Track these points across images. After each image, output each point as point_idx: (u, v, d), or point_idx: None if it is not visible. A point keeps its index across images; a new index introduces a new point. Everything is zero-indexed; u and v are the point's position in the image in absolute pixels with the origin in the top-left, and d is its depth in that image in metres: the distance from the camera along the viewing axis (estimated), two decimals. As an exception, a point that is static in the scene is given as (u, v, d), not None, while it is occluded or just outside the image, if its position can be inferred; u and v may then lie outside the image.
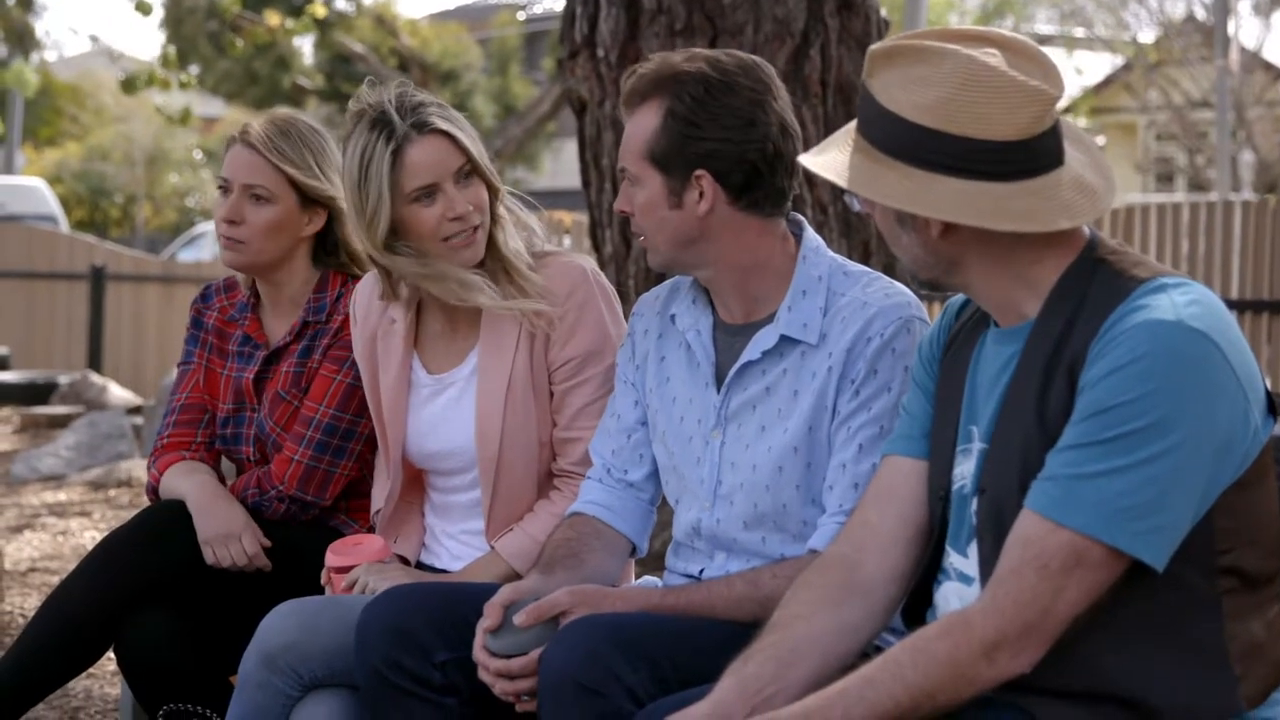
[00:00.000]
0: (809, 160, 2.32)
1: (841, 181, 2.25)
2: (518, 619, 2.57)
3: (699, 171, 2.66)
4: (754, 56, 2.74)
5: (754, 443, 2.71)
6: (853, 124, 2.32)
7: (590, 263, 3.12)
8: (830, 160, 2.29)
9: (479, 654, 2.61)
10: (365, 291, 3.25)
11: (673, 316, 2.85)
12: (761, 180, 2.68)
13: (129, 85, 12.05)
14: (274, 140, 3.35)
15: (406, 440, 3.17)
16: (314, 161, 3.37)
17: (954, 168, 2.17)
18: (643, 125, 2.69)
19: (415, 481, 3.25)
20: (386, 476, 3.23)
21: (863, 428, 2.63)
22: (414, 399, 3.17)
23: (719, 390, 2.76)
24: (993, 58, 2.18)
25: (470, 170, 3.03)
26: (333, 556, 3.13)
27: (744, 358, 2.72)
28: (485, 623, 2.61)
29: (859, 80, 5.12)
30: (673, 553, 2.86)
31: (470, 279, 3.02)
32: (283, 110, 3.51)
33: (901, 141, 2.19)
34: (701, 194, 2.67)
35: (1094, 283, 2.18)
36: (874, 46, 2.27)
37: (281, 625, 2.95)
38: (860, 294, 2.69)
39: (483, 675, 2.61)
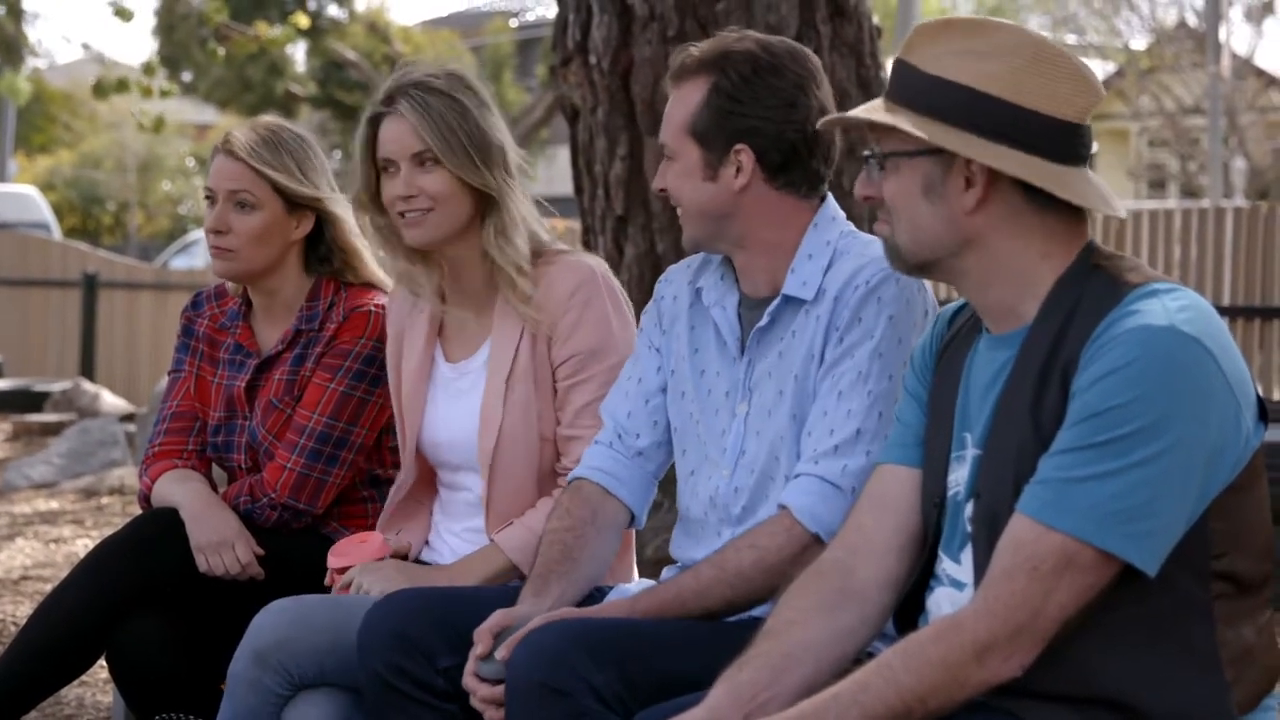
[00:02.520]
0: (859, 110, 2.28)
1: (907, 127, 2.21)
2: (499, 654, 2.57)
3: (739, 146, 2.69)
4: (804, 47, 2.78)
5: (774, 408, 2.73)
6: (874, 102, 2.30)
7: (602, 265, 3.13)
8: (878, 116, 2.25)
9: (469, 680, 2.61)
10: (394, 305, 3.29)
11: (699, 290, 2.86)
12: (799, 161, 2.72)
13: (99, 90, 12.00)
14: (255, 148, 3.36)
15: (421, 428, 3.19)
16: (296, 166, 3.38)
17: (1013, 139, 2.18)
18: (687, 100, 2.72)
19: (429, 478, 3.26)
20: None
21: (844, 374, 2.65)
22: (432, 388, 3.20)
23: (743, 362, 2.77)
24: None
25: (433, 159, 3.04)
26: (334, 558, 3.14)
27: (757, 325, 2.75)
28: (476, 650, 2.61)
29: (850, 86, 5.15)
30: (682, 532, 2.86)
31: (419, 279, 3.17)
32: (266, 118, 3.53)
33: (961, 109, 2.19)
34: (739, 169, 2.70)
35: (1088, 288, 2.18)
36: (921, 23, 2.27)
37: (274, 622, 2.95)
38: (861, 249, 2.72)
39: (474, 701, 2.61)
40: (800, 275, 2.72)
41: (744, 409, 2.76)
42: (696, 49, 2.74)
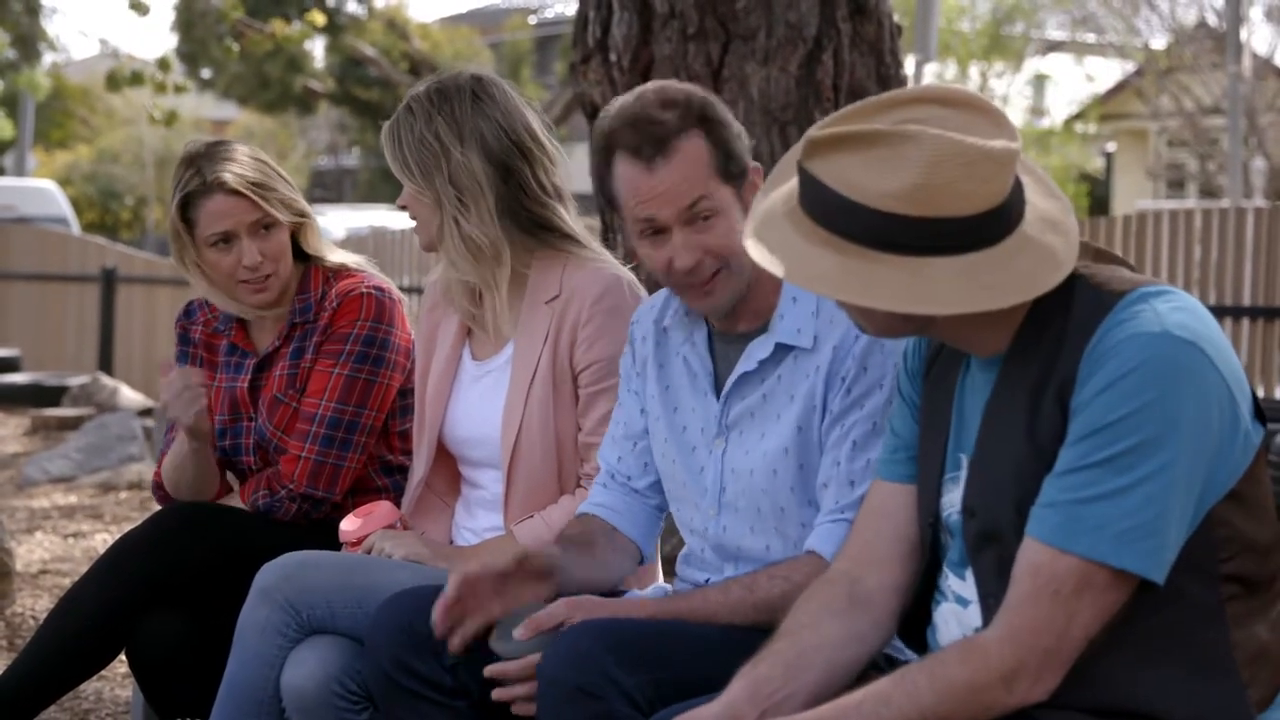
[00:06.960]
0: (772, 265, 2.13)
1: (835, 294, 2.11)
2: (517, 632, 2.58)
3: (752, 164, 2.68)
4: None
5: (753, 448, 2.72)
6: (782, 202, 2.19)
7: (629, 275, 3.14)
8: (800, 257, 2.12)
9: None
10: (430, 299, 3.31)
11: (665, 329, 2.84)
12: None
13: (112, 82, 11.97)
14: (244, 177, 3.37)
15: (444, 423, 3.20)
16: (281, 180, 3.44)
17: (940, 247, 2.08)
18: (694, 156, 2.62)
19: (449, 475, 3.27)
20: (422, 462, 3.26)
21: (856, 424, 2.63)
22: (458, 384, 3.21)
23: (718, 399, 2.76)
24: (952, 131, 2.08)
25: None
26: (346, 532, 3.15)
27: (740, 368, 2.72)
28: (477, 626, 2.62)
29: (870, 85, 5.14)
30: (684, 561, 2.87)
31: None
32: (202, 138, 3.51)
33: (877, 233, 2.09)
34: (754, 189, 2.66)
35: (1074, 301, 2.14)
36: (813, 134, 2.13)
37: (280, 562, 2.98)
38: None
39: (487, 670, 2.61)
40: (793, 321, 2.68)
41: (720, 445, 2.75)
42: (659, 115, 2.62)
